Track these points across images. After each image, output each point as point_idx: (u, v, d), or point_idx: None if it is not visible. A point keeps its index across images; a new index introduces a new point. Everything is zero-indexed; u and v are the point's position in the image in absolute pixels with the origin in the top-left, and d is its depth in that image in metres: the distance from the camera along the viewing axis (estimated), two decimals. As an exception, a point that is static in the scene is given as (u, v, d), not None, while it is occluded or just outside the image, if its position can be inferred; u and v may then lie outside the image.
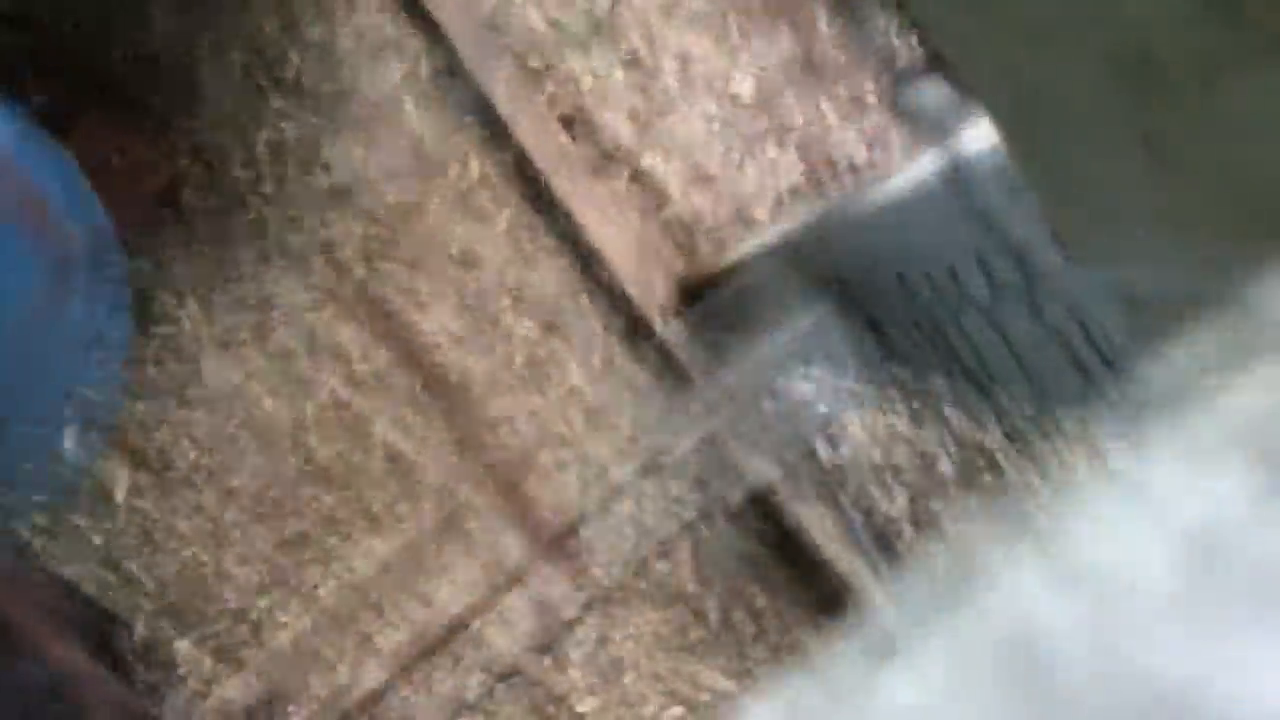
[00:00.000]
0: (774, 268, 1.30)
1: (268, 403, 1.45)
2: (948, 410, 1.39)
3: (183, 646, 1.39)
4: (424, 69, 1.60)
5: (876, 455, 1.44)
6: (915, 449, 1.46)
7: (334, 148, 1.58)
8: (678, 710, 1.44)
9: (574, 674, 1.44)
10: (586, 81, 1.61)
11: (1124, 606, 0.28)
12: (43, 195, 1.06)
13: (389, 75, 1.61)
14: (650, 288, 1.54)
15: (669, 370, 1.49)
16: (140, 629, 1.37)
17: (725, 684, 1.45)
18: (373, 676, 1.30)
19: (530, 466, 1.22)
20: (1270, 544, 0.28)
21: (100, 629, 1.35)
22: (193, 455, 1.44)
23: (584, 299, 1.56)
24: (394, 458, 1.46)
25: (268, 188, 1.53)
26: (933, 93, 0.97)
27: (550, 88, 1.64)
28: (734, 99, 1.57)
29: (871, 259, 1.14)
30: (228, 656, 1.39)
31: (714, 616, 1.48)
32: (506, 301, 1.55)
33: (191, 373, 1.45)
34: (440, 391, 1.49)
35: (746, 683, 1.43)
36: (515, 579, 1.25)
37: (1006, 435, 1.42)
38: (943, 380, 1.19)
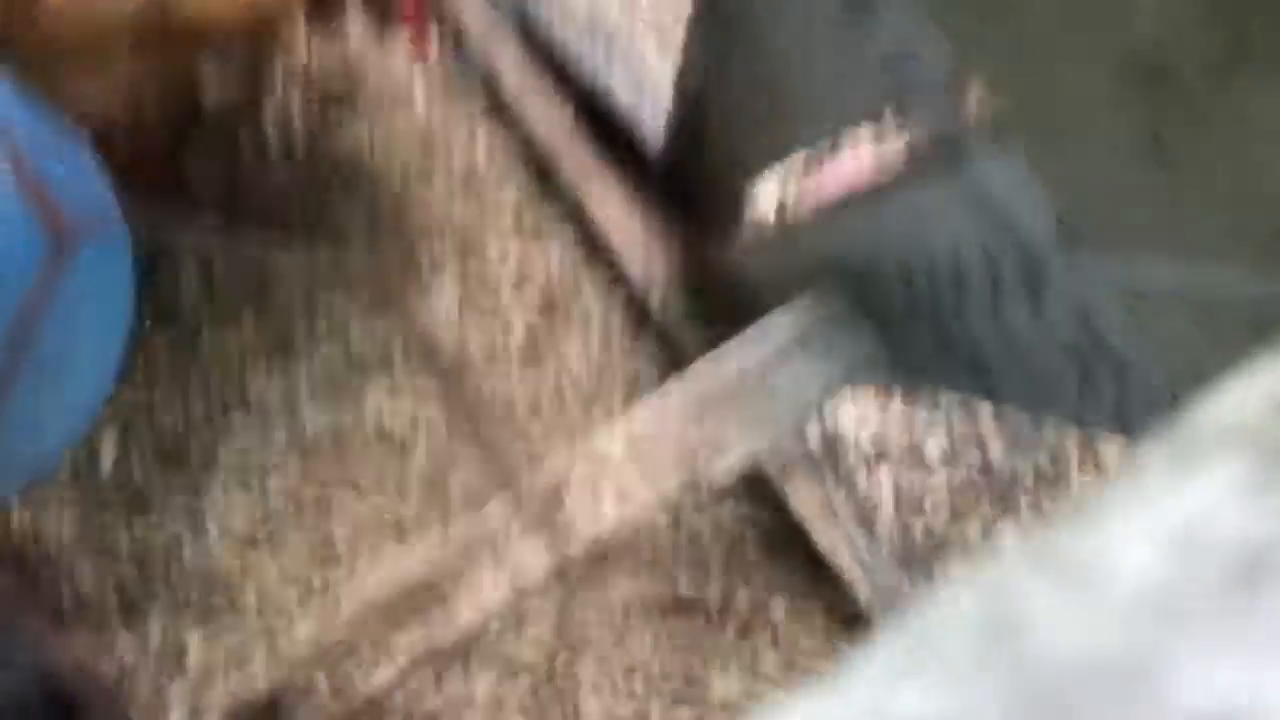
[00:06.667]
0: (775, 254, 1.30)
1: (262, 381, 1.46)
2: (944, 400, 1.38)
3: (194, 648, 1.39)
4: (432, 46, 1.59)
5: (875, 445, 1.44)
6: (912, 440, 1.45)
7: (341, 126, 1.58)
8: (684, 713, 1.44)
9: (582, 677, 1.44)
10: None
11: (1135, 615, 0.28)
12: (43, 166, 1.02)
13: (396, 52, 1.61)
14: (652, 272, 1.53)
15: (670, 357, 1.49)
16: (154, 628, 1.38)
17: (735, 692, 1.45)
18: (382, 677, 1.30)
19: (559, 486, 1.22)
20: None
21: (113, 630, 1.35)
22: (215, 450, 1.44)
23: (587, 282, 1.55)
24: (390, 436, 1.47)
25: (274, 165, 1.54)
26: (940, 92, 0.97)
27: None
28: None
29: (874, 247, 1.13)
30: (238, 658, 1.39)
31: (728, 623, 1.47)
32: (510, 284, 1.55)
33: (193, 355, 1.44)
34: (444, 374, 1.49)
35: (757, 691, 1.43)
36: (537, 589, 1.25)
37: (1003, 429, 1.42)
38: (940, 370, 1.18)
